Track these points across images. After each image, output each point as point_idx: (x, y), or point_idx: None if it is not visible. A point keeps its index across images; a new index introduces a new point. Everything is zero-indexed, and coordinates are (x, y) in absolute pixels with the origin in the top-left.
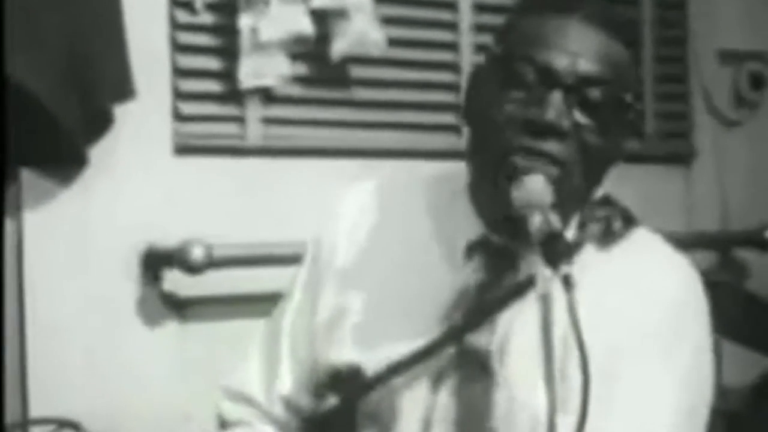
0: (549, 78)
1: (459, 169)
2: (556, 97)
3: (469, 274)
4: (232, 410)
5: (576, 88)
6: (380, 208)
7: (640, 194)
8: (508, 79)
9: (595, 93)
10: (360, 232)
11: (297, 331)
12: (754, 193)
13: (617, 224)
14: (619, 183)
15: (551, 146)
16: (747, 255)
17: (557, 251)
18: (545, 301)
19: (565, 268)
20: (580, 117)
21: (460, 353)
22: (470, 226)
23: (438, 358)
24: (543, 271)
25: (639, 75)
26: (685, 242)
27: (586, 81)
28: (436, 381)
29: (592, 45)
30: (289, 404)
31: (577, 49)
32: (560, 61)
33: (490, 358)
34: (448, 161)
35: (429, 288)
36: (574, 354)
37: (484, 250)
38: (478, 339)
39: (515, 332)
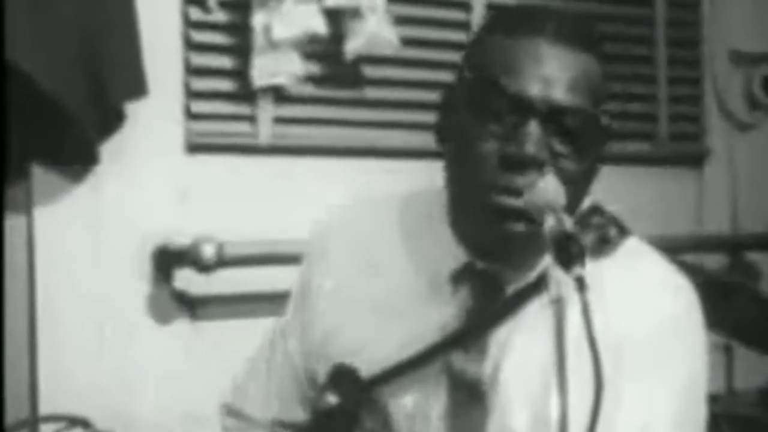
0: (523, 107)
1: (435, 188)
2: (533, 127)
3: (456, 302)
4: (230, 423)
5: (551, 117)
6: (363, 235)
7: (652, 196)
8: (480, 109)
9: (571, 120)
10: (345, 260)
11: (289, 350)
12: (766, 195)
13: (612, 233)
14: (631, 185)
15: (530, 179)
16: (758, 258)
17: (570, 253)
18: (558, 304)
19: (578, 270)
20: (557, 146)
21: (452, 380)
22: (452, 253)
23: (431, 385)
24: (556, 273)
25: (610, 85)
26: (696, 244)
27: (562, 110)
28: (430, 407)
29: (564, 66)
30: (284, 423)
31: (550, 74)
32: (533, 89)
33: (482, 384)
34: None
35: (415, 316)
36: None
37: (470, 277)
38: (469, 365)
39: (507, 357)
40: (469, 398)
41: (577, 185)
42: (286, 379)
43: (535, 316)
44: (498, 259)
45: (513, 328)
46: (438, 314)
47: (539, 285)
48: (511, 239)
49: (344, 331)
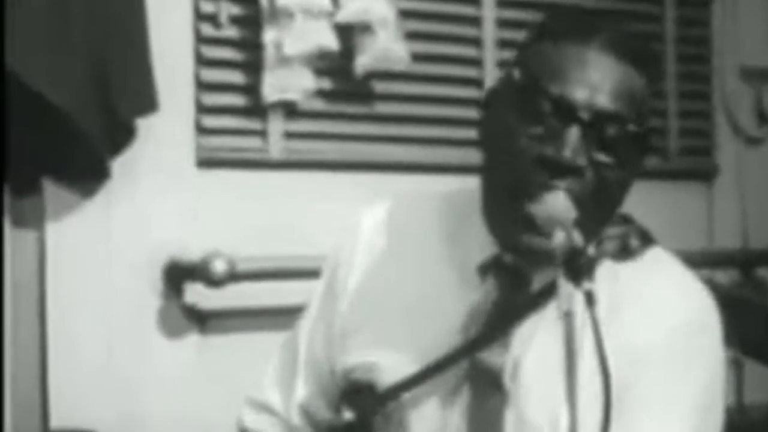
0: (566, 112)
1: (469, 187)
2: (574, 133)
3: (483, 293)
4: (251, 419)
5: (594, 124)
6: (394, 229)
7: (661, 211)
8: (524, 110)
9: (612, 130)
10: (375, 252)
11: (314, 342)
12: None
13: (634, 242)
14: (641, 200)
15: (567, 184)
16: None
17: (580, 268)
18: (568, 318)
19: (587, 285)
20: (597, 154)
21: (473, 370)
22: (483, 246)
23: (451, 375)
24: (566, 288)
25: (662, 95)
26: (706, 260)
27: (604, 117)
28: (449, 398)
29: (610, 77)
30: (305, 412)
31: (596, 81)
32: (578, 95)
33: (502, 375)
34: (470, 176)
35: (443, 307)
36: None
37: (497, 269)
38: (491, 356)
39: (529, 350)
40: (490, 390)
41: (612, 196)
42: (310, 376)
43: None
44: (524, 257)
45: (536, 322)
46: (465, 304)
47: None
48: (536, 252)
49: (370, 324)
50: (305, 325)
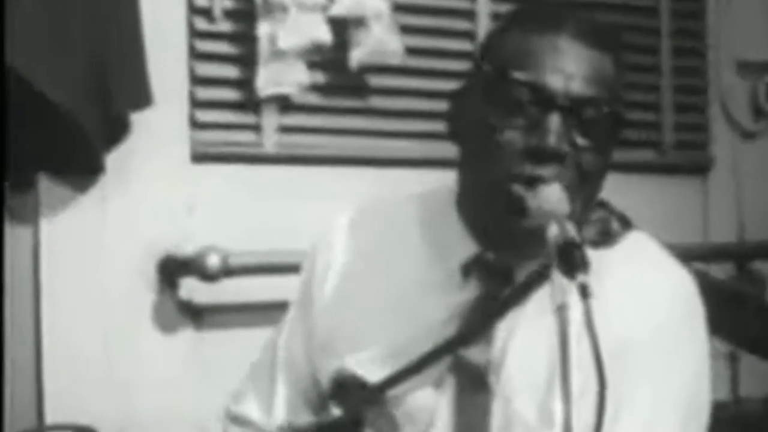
0: (544, 100)
1: (444, 186)
2: (555, 120)
3: (467, 292)
4: (234, 430)
5: (572, 110)
6: (370, 231)
7: (656, 205)
8: (502, 102)
9: (590, 113)
10: (350, 255)
11: (293, 346)
12: None
13: (614, 226)
14: (636, 193)
15: (552, 170)
16: (764, 267)
17: (574, 261)
18: (562, 312)
19: (581, 278)
20: (577, 138)
21: (457, 368)
22: (463, 245)
23: (435, 372)
24: (560, 281)
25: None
26: (701, 254)
27: (581, 102)
28: (437, 399)
29: (584, 63)
30: (286, 418)
31: (570, 68)
32: (555, 82)
33: (487, 371)
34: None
35: (425, 307)
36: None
37: (481, 267)
38: (475, 353)
39: (512, 345)
40: (474, 385)
41: (593, 180)
42: (289, 381)
43: (540, 303)
44: (508, 250)
45: (519, 316)
46: (448, 304)
47: (545, 273)
48: (524, 234)
49: (350, 325)
50: (283, 330)
